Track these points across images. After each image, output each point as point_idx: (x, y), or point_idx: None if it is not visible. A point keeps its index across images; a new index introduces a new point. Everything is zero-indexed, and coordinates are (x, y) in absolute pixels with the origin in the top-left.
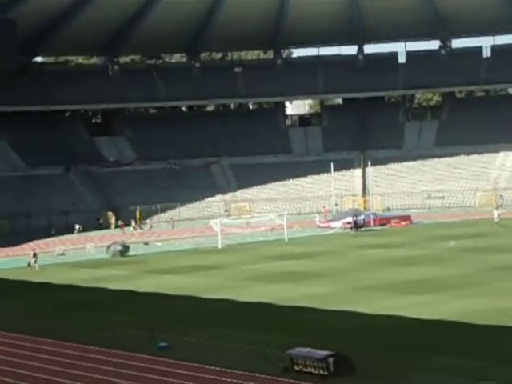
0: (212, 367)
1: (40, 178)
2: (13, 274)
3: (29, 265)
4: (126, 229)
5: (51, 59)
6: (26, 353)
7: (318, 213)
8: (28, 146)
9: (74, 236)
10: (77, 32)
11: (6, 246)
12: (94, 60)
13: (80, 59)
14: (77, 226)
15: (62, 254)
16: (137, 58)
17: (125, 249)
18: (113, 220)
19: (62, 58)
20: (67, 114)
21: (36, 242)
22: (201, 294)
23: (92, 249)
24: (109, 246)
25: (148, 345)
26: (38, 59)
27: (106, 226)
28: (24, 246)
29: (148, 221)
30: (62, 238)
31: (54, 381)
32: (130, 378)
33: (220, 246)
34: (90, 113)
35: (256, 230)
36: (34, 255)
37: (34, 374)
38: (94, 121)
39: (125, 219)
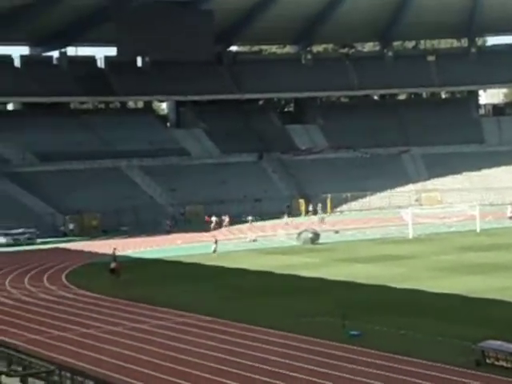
0: (403, 357)
1: (234, 165)
2: (208, 259)
3: (214, 251)
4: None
5: (245, 48)
6: (217, 335)
7: (510, 204)
8: (222, 134)
9: (266, 223)
10: (271, 21)
11: (200, 231)
12: (288, 49)
13: (273, 48)
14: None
15: (254, 241)
16: (329, 46)
17: (316, 236)
18: (303, 207)
19: (256, 48)
20: (260, 102)
21: (229, 228)
22: (391, 283)
23: (283, 236)
24: (300, 234)
25: (339, 333)
26: (233, 48)
27: (297, 214)
28: (217, 231)
29: (225, 217)
30: (254, 224)
31: (238, 362)
32: (320, 365)
33: (411, 236)
34: (283, 101)
35: (447, 221)
36: (216, 242)
37: (224, 357)
38: (286, 109)
39: (315, 207)
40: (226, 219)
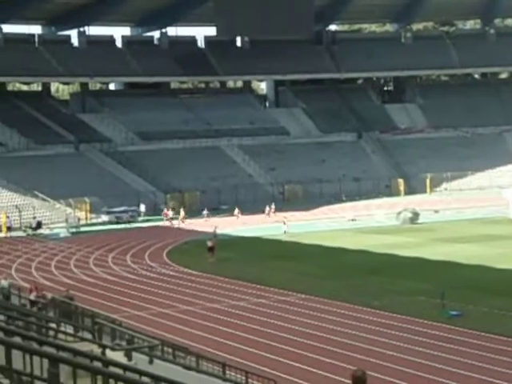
0: (504, 338)
1: (332, 144)
2: (308, 238)
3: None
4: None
5: (345, 27)
6: (316, 314)
7: None
8: (321, 113)
9: (365, 203)
10: None
11: (299, 211)
12: (387, 27)
13: (373, 27)
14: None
15: (352, 220)
16: (429, 24)
17: (415, 216)
18: (402, 187)
19: (355, 26)
20: (359, 81)
21: (327, 207)
22: (492, 263)
23: (382, 215)
24: (399, 213)
25: (438, 312)
26: (332, 27)
27: (396, 193)
28: (316, 210)
29: (205, 212)
30: (353, 204)
31: (337, 341)
32: (419, 344)
33: None
34: (382, 80)
35: None
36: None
37: (323, 335)
38: (385, 88)
39: (414, 187)
40: (182, 213)
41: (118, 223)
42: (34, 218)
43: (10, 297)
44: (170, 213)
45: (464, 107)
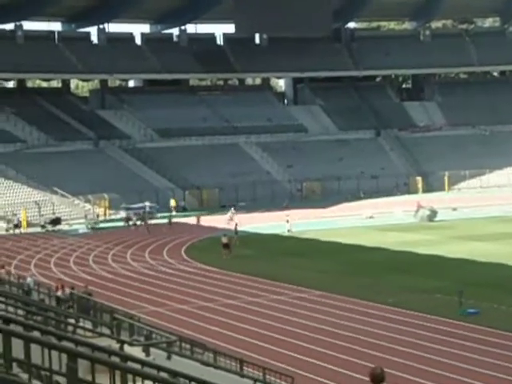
0: None
1: (351, 142)
2: (325, 235)
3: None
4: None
5: (363, 25)
6: (333, 311)
7: None
8: (340, 111)
9: (383, 200)
10: None
11: (317, 208)
12: (406, 25)
13: (392, 25)
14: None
15: (370, 217)
16: (448, 22)
17: (433, 214)
18: (420, 185)
19: (374, 24)
20: (378, 79)
21: (345, 204)
22: (509, 261)
23: (400, 213)
24: (417, 211)
25: (456, 310)
26: (351, 25)
27: (414, 191)
28: (334, 208)
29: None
30: (371, 201)
31: (353, 337)
32: (435, 342)
33: None
34: (401, 78)
35: None
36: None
37: (340, 332)
38: (404, 86)
39: (432, 184)
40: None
41: (136, 219)
42: (53, 213)
43: (30, 292)
44: (134, 217)
45: (483, 105)
